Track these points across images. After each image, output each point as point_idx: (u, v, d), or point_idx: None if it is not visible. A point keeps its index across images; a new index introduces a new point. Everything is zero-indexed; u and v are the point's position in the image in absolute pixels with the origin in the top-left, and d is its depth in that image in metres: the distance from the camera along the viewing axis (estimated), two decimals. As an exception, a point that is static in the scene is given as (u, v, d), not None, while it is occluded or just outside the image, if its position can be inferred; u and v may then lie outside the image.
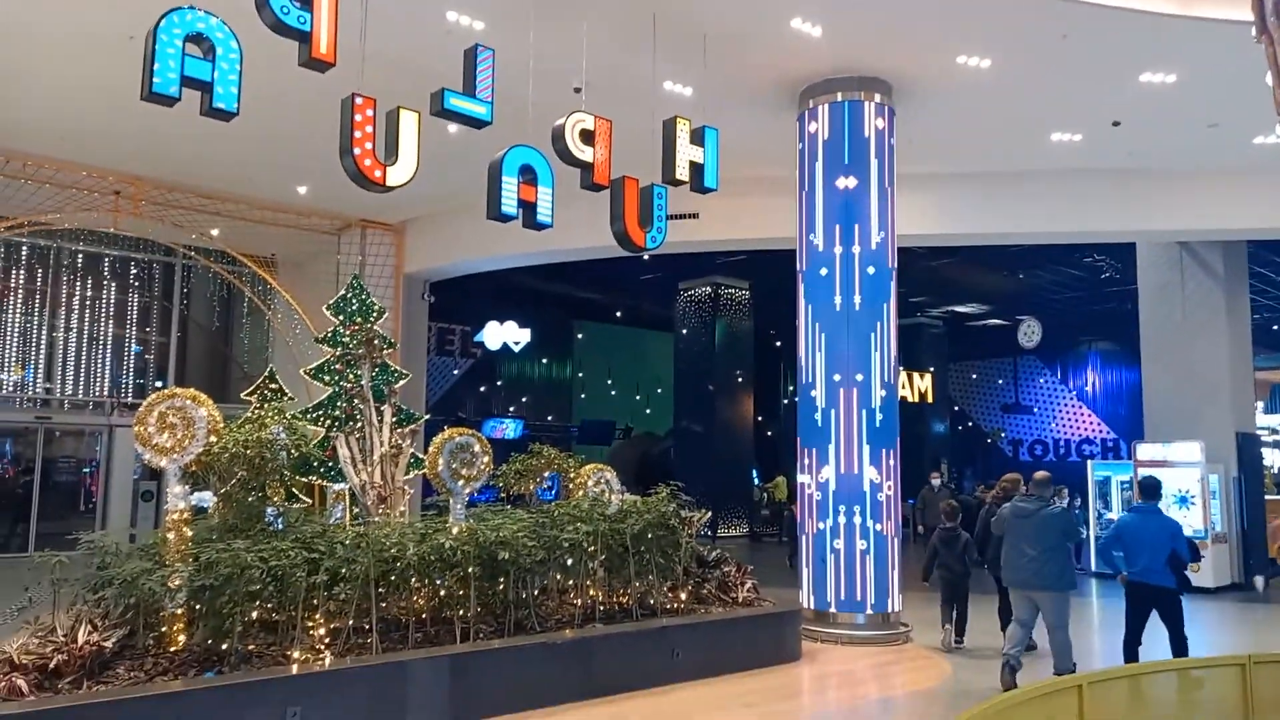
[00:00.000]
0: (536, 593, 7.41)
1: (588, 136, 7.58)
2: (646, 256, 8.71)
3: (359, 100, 6.46)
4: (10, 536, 16.47)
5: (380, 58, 7.25)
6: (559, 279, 20.70)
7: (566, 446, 19.63)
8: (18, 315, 17.37)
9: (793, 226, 10.24)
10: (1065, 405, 29.43)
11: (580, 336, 29.81)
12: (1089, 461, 17.25)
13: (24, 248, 17.10)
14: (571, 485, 8.98)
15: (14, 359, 17.35)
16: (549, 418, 28.71)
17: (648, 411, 30.43)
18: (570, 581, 7.67)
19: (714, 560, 8.91)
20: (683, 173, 8.05)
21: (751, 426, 23.55)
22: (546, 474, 9.38)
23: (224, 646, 5.78)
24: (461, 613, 6.75)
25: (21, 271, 17.39)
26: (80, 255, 17.76)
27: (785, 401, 26.71)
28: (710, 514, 10.48)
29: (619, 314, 27.72)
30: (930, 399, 27.08)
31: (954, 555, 9.20)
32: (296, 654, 5.90)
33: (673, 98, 9.86)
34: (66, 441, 18.07)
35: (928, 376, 27.01)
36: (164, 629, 5.83)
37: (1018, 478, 9.11)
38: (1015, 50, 9.32)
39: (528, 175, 7.34)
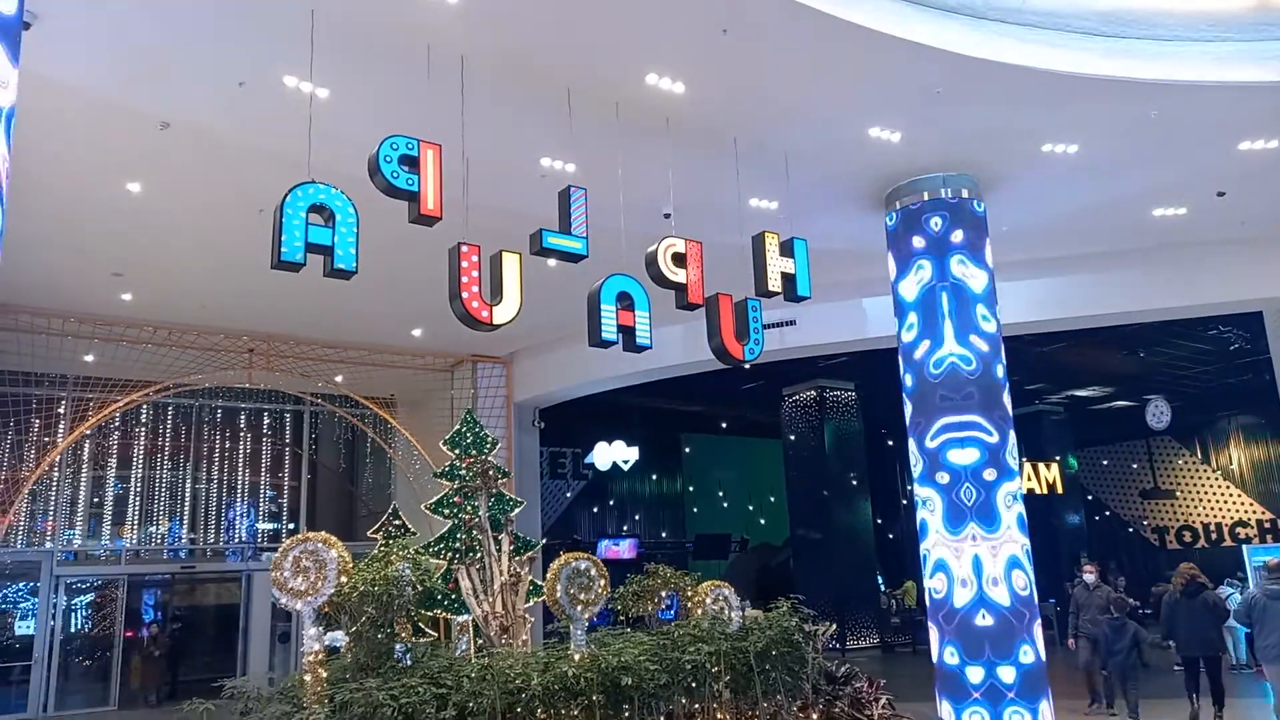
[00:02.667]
0: (662, 718, 7.26)
1: (680, 259, 7.85)
2: (747, 367, 8.84)
3: (464, 248, 6.92)
4: (161, 685, 17.15)
5: (482, 206, 7.78)
6: (663, 395, 20.94)
7: (682, 562, 19.45)
8: (165, 471, 18.61)
9: (892, 324, 10.22)
10: (1210, 486, 27.51)
11: (688, 450, 29.82)
12: (1244, 546, 16.01)
13: (170, 408, 18.42)
14: (690, 604, 8.89)
15: (162, 513, 18.49)
16: (663, 534, 28.53)
17: (762, 521, 29.91)
18: (696, 705, 7.50)
19: (843, 676, 8.59)
20: (775, 284, 8.22)
21: (871, 530, 22.83)
22: (664, 593, 9.32)
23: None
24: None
25: (167, 430, 18.71)
26: (219, 410, 19.03)
27: (905, 502, 25.87)
28: (835, 626, 10.17)
29: (725, 424, 27.69)
30: (1060, 489, 25.76)
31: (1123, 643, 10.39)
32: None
33: (759, 213, 10.14)
34: (210, 589, 18.94)
35: (1054, 466, 25.77)
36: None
37: (1194, 567, 11.20)
38: (1102, 133, 9.27)
39: (625, 301, 7.63)
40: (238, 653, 17.88)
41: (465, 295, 6.85)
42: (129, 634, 17.44)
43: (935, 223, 9.82)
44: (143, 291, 13.02)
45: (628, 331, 7.62)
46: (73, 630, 17.54)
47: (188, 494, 18.83)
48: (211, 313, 13.83)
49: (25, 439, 16.48)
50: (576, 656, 7.11)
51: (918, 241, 9.89)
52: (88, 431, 15.35)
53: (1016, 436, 9.52)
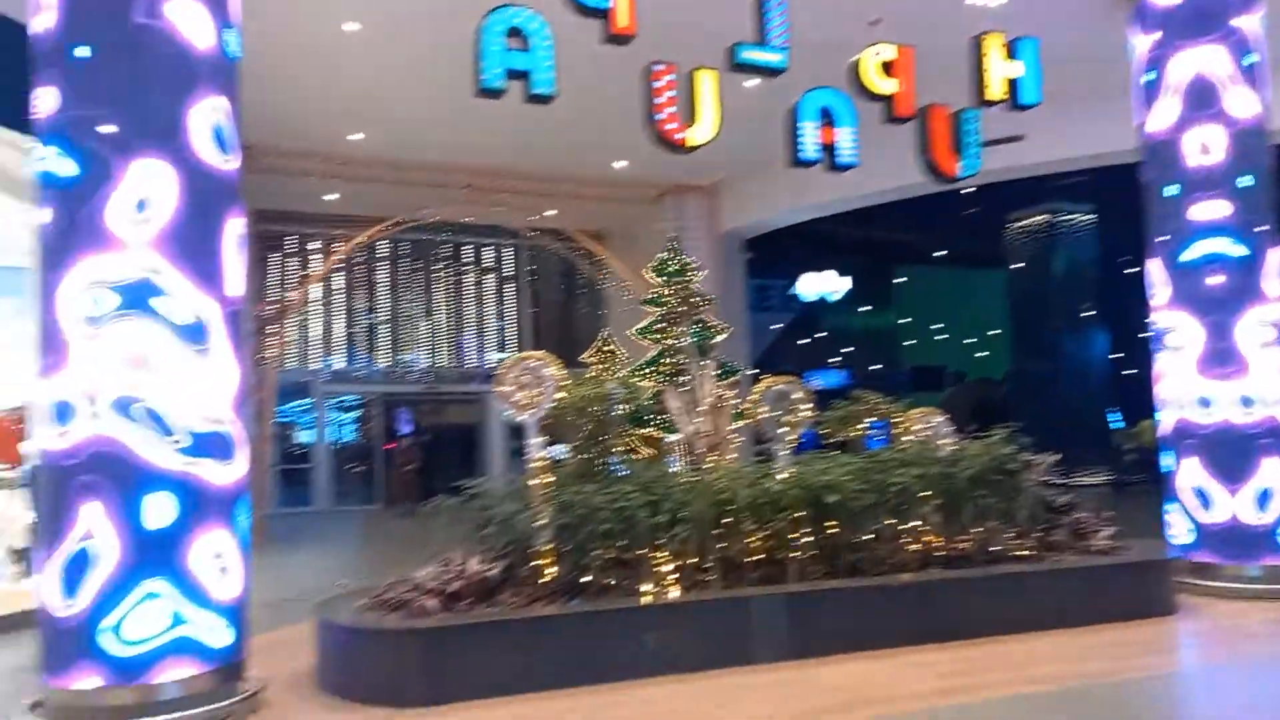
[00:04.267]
0: (870, 537, 7.41)
1: (888, 68, 7.33)
2: (962, 190, 8.28)
3: (658, 67, 6.78)
4: (415, 488, 19.49)
5: (675, 22, 7.51)
6: (875, 223, 20.18)
7: (894, 395, 19.13)
8: (407, 301, 20.42)
9: (1134, 138, 9.14)
10: None
11: (902, 280, 28.82)
12: None
13: (408, 243, 19.92)
14: (899, 431, 8.84)
15: (407, 340, 20.44)
16: (874, 367, 28.17)
17: (979, 355, 28.77)
18: (903, 526, 7.58)
19: (1064, 506, 8.33)
20: (997, 91, 7.53)
21: (1106, 364, 21.42)
22: (872, 420, 9.31)
23: (585, 579, 6.47)
24: (794, 554, 6.97)
25: (407, 263, 20.38)
26: (449, 245, 20.41)
27: (1146, 335, 23.89)
28: (1058, 457, 9.80)
29: (942, 254, 26.40)
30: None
31: None
32: (646, 586, 6.46)
33: (979, 12, 9.18)
34: (452, 409, 21.00)
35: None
36: (537, 562, 6.64)
37: None
38: None
39: (827, 117, 7.28)
40: (478, 464, 19.91)
41: (659, 118, 6.78)
42: (388, 445, 19.76)
43: (1190, 14, 8.47)
44: (373, 130, 13.85)
45: (830, 150, 7.30)
46: (341, 441, 20.13)
47: (428, 322, 20.63)
48: (434, 148, 14.50)
49: (285, 271, 18.49)
50: (781, 474, 7.33)
51: (1165, 31, 8.60)
52: (336, 264, 16.91)
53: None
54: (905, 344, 28.95)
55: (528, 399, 7.00)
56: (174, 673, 5.09)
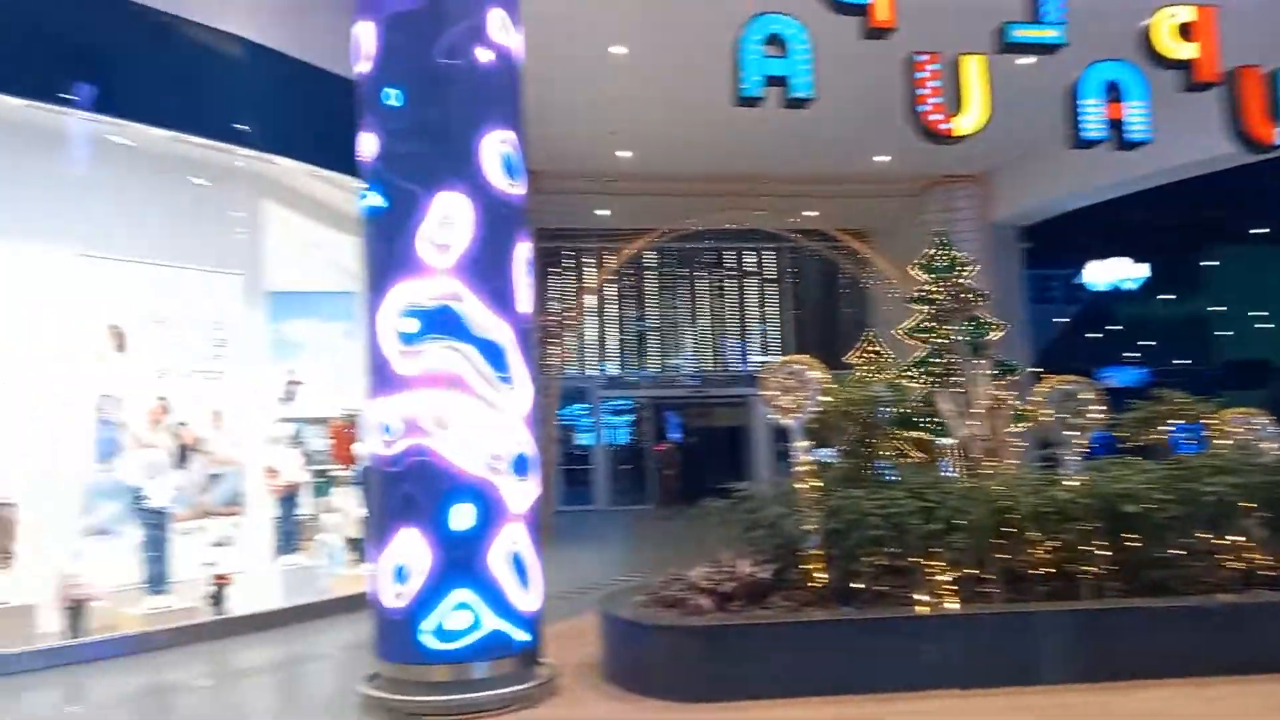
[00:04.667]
0: (1177, 552, 6.70)
1: (1185, 30, 6.60)
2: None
3: (920, 57, 6.55)
4: (685, 490, 20.08)
5: (935, 8, 7.21)
6: (1175, 201, 18.05)
7: (1205, 392, 17.01)
8: (673, 309, 21.20)
9: None
10: None
11: (1213, 264, 25.57)
12: None
13: (672, 252, 20.62)
14: (1211, 434, 7.91)
15: (674, 346, 21.20)
16: (1179, 362, 25.20)
17: (1315, 345, 24.91)
18: (1220, 541, 6.77)
19: None
20: (1328, 45, 6.54)
21: None
22: (1178, 422, 8.39)
23: (856, 585, 6.39)
24: (1086, 568, 6.45)
25: (672, 271, 21.14)
26: (713, 252, 20.90)
27: None
28: None
29: (1262, 232, 23.14)
30: None
31: None
32: (921, 596, 6.26)
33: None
34: (718, 412, 21.49)
35: None
36: (806, 566, 6.65)
37: None
38: None
39: (1114, 91, 6.68)
40: (743, 466, 20.20)
41: (923, 109, 6.55)
42: (658, 448, 20.58)
43: None
44: (637, 148, 14.56)
45: (1118, 126, 6.69)
46: (615, 443, 21.22)
47: (693, 328, 21.25)
48: (695, 160, 14.95)
49: (568, 286, 19.82)
50: (1070, 482, 6.82)
51: None
52: (608, 276, 17.85)
53: None
54: (1217, 335, 25.63)
55: (793, 402, 7.03)
56: (483, 660, 5.67)
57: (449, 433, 5.61)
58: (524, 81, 6.32)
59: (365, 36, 5.98)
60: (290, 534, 9.30)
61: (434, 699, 5.57)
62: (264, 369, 10.28)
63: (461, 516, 5.61)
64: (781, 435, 18.93)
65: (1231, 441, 7.55)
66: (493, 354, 5.75)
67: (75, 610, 7.53)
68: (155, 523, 8.06)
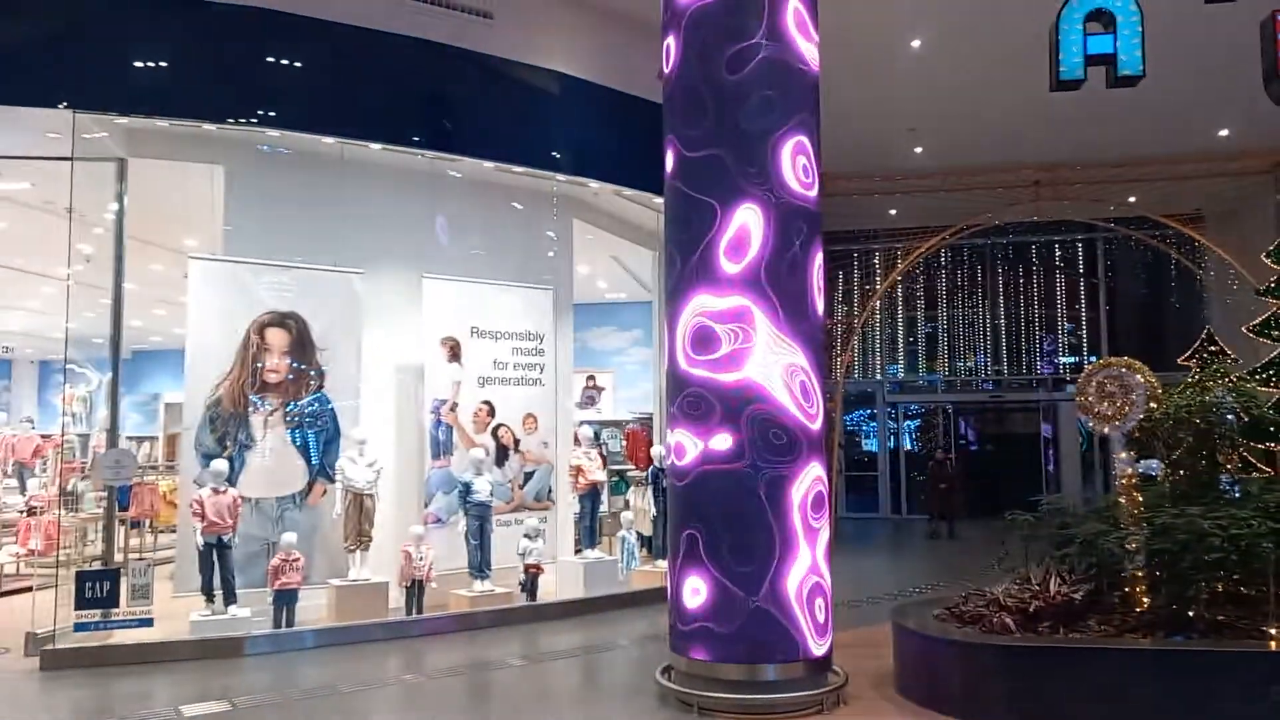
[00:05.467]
0: None
1: None
2: None
3: (1280, 18, 5.73)
4: (977, 501, 18.90)
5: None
6: None
7: None
8: (966, 309, 19.99)
9: None
10: None
11: None
12: None
13: (965, 249, 19.52)
14: None
15: (968, 348, 20.00)
16: None
17: None
18: None
19: None
20: None
21: None
22: None
23: (1189, 613, 5.71)
24: None
25: (965, 270, 19.95)
26: (1010, 247, 19.48)
27: None
28: None
29: None
30: None
31: None
32: (1272, 629, 5.47)
33: None
34: (1016, 417, 19.98)
35: None
36: (1127, 588, 6.04)
37: None
38: None
39: None
40: (1044, 475, 18.64)
41: (1285, 73, 5.72)
42: (948, 456, 19.51)
43: None
44: (932, 143, 13.99)
45: None
46: (904, 449, 20.40)
47: (989, 329, 19.93)
48: (995, 151, 14.11)
49: (852, 288, 19.42)
50: None
51: None
52: (898, 277, 17.26)
53: None
54: None
55: (1113, 409, 6.42)
56: (774, 661, 5.70)
57: (762, 431, 5.67)
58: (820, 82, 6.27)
59: (668, 51, 6.20)
60: (591, 529, 9.93)
61: (727, 696, 5.69)
62: (570, 376, 11.05)
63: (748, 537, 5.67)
64: (1092, 444, 17.40)
65: None
66: (790, 358, 5.74)
67: (414, 590, 8.54)
68: (479, 514, 8.96)
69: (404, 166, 9.48)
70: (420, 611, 8.54)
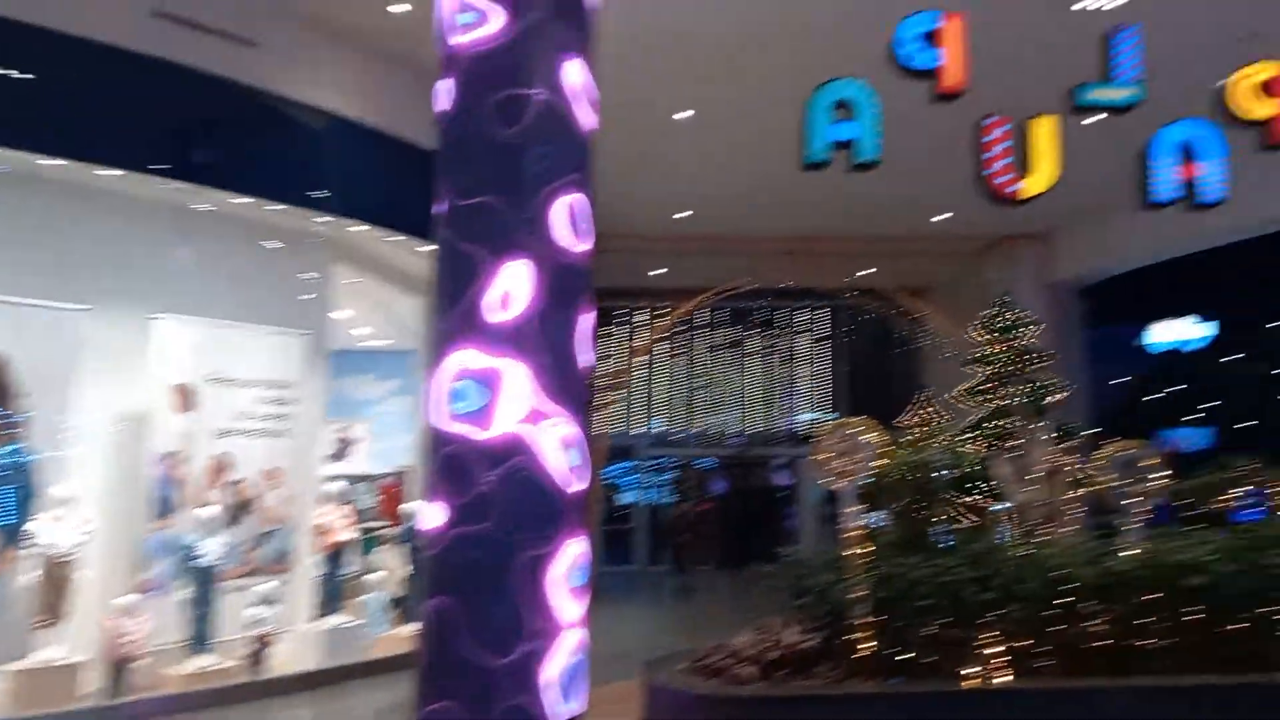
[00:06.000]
0: (1245, 626, 6.37)
1: (1269, 87, 6.45)
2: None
3: (989, 120, 6.51)
4: (728, 552, 19.70)
5: (1005, 70, 7.18)
6: (1245, 258, 17.52)
7: (1275, 457, 16.28)
8: (722, 367, 21.10)
9: None
10: None
11: (1283, 324, 24.67)
12: None
13: (724, 310, 20.57)
14: (1277, 501, 7.58)
15: (722, 404, 21.05)
16: (1247, 424, 24.19)
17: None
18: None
19: None
20: None
21: None
22: (1245, 489, 8.07)
23: (907, 656, 6.19)
24: (1146, 642, 6.16)
25: (723, 330, 21.08)
26: (765, 310, 20.83)
27: None
28: None
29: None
30: None
31: None
32: (973, 669, 6.04)
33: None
34: (765, 472, 21.18)
35: None
36: (855, 635, 6.47)
37: None
38: None
39: (1187, 151, 6.54)
40: (789, 529, 19.81)
41: (991, 171, 6.49)
42: (703, 508, 20.28)
43: None
44: (699, 208, 14.73)
45: (1190, 186, 6.55)
46: (657, 503, 20.99)
47: (742, 387, 21.08)
48: (756, 219, 15.03)
49: (618, 344, 19.90)
50: (1128, 551, 6.57)
51: None
52: (662, 334, 17.88)
53: None
54: (1292, 397, 24.62)
55: (846, 466, 6.91)
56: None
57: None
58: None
59: (443, 96, 6.03)
60: (334, 592, 9.31)
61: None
62: (321, 427, 10.44)
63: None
64: (830, 498, 18.58)
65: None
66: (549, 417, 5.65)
67: (119, 668, 7.54)
68: (203, 580, 8.10)
69: (148, 197, 8.61)
70: (125, 694, 7.52)
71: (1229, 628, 6.22)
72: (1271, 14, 7.35)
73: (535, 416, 5.50)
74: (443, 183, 5.95)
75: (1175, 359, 23.47)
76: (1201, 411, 24.46)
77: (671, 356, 21.12)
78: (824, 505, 19.05)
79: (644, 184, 13.52)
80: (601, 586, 16.20)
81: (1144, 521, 7.13)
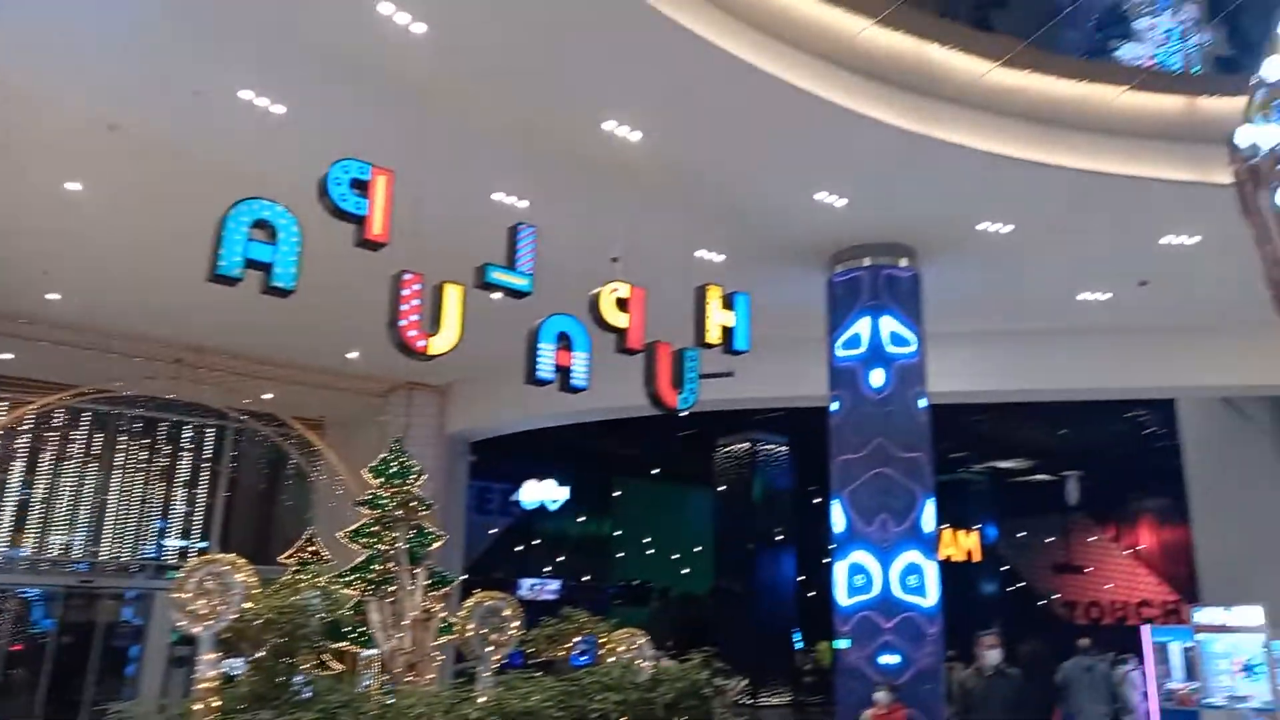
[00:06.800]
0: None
1: (623, 304, 7.87)
2: (681, 415, 8.81)
3: (406, 276, 6.83)
4: (50, 703, 16.22)
5: (429, 234, 7.71)
6: (597, 436, 20.85)
7: (604, 608, 19.21)
8: (74, 479, 17.77)
9: (825, 383, 10.39)
10: (1120, 566, 28.19)
11: (618, 494, 29.66)
12: (1147, 625, 16.32)
13: (86, 414, 17.61)
14: (603, 652, 8.80)
15: (66, 523, 17.62)
16: (587, 577, 28.21)
17: (686, 571, 29.78)
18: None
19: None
20: (714, 336, 8.28)
21: (793, 587, 22.94)
22: (579, 639, 9.22)
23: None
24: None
25: (79, 436, 17.89)
26: (138, 420, 18.30)
27: (827, 560, 26.00)
28: (746, 682, 10.14)
29: (657, 470, 27.66)
30: (978, 557, 26.25)
31: None
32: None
33: (706, 264, 10.27)
34: (110, 606, 18.07)
35: (974, 534, 26.29)
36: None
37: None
38: (1034, 217, 9.64)
39: (564, 341, 7.60)
40: (131, 675, 17.08)
41: (403, 324, 6.76)
42: (16, 648, 16.52)
43: (873, 288, 10.09)
44: (72, 293, 12.62)
45: (565, 372, 7.58)
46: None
47: (96, 504, 18.00)
48: (143, 319, 13.42)
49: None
50: (481, 699, 6.96)
51: (855, 304, 10.13)
52: (-2, 431, 14.69)
53: (938, 502, 9.73)
54: (618, 555, 29.37)
55: (208, 608, 6.25)
56: None
57: None
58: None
59: None
60: None
61: None
62: None
63: None
64: (186, 639, 16.60)
65: (617, 659, 8.41)
66: None
67: None
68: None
69: None
70: None
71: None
72: (634, 240, 9.17)
73: None
74: None
75: (538, 515, 26.45)
76: (553, 564, 27.78)
77: (7, 460, 17.28)
78: (179, 648, 16.85)
79: (4, 252, 11.30)
80: None
81: (499, 668, 7.65)
